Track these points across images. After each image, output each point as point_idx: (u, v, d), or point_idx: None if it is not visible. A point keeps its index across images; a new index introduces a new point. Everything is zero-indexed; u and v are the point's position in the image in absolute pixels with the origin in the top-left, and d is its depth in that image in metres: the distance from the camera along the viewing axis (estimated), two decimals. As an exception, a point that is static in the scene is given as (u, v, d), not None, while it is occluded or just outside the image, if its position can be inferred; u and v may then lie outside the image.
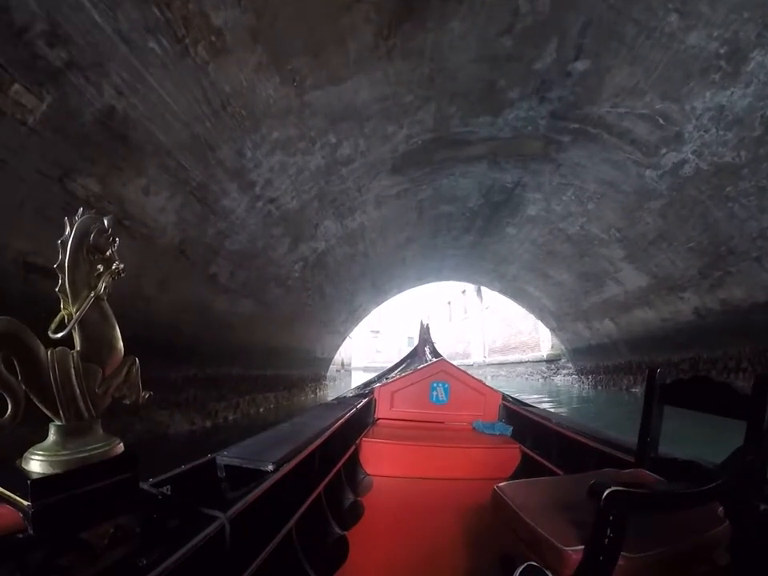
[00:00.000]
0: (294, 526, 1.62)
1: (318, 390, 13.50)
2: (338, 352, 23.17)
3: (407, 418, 3.62)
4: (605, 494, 0.95)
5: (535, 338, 20.46)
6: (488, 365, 26.49)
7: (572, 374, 17.32)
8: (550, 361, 19.39)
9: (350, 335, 27.73)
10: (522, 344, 21.76)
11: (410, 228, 8.71)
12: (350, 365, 29.87)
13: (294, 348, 9.89)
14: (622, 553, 0.97)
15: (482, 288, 26.94)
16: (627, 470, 1.52)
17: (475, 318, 29.09)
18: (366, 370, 37.18)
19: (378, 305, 14.20)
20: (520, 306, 15.62)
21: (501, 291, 14.41)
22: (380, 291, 12.37)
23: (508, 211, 8.78)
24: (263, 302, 7.15)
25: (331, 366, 22.87)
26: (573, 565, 1.02)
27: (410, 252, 10.20)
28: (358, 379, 23.87)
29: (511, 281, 12.74)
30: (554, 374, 19.12)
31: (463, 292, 30.88)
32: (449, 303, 34.93)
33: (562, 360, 18.95)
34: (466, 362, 28.60)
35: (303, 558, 1.63)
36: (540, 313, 14.18)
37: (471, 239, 10.17)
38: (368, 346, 42.49)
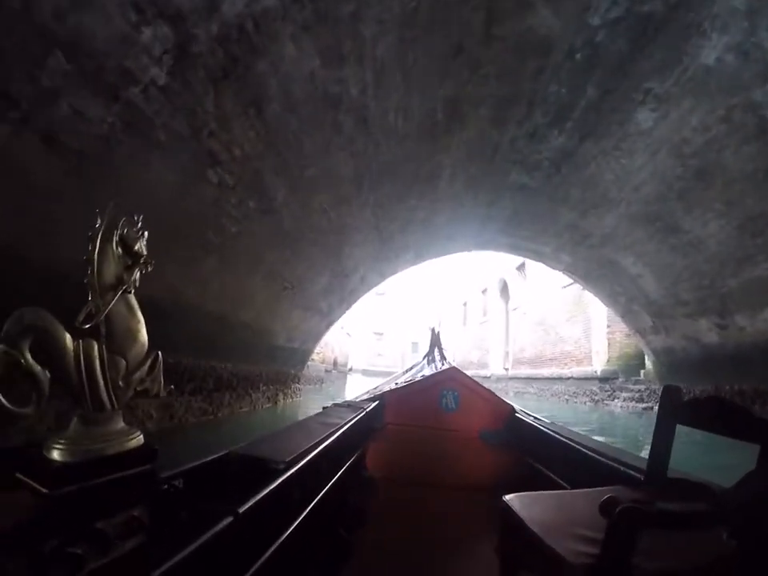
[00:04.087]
0: (300, 526, 1.56)
1: (282, 397, 8.81)
2: (325, 345, 18.55)
3: (415, 424, 3.47)
4: (617, 510, 0.95)
5: (585, 348, 15.78)
6: (511, 378, 21.68)
7: (641, 399, 12.76)
8: (605, 379, 14.71)
9: (344, 327, 22.89)
10: (565, 355, 17.03)
11: (461, 70, 4.09)
12: (345, 365, 25.34)
13: (215, 316, 5.23)
14: (629, 570, 0.98)
15: (510, 285, 22.47)
16: (637, 489, 1.47)
17: (497, 322, 24.40)
18: (365, 373, 33.85)
19: (385, 277, 9.53)
20: (593, 296, 10.94)
21: (568, 268, 9.71)
22: (389, 247, 7.70)
23: (659, 54, 4.29)
24: (59, 141, 2.56)
25: (319, 365, 18.18)
26: None
27: (448, 160, 5.57)
28: (354, 385, 19.28)
29: (596, 247, 8.03)
30: (610, 396, 14.44)
31: (484, 291, 26.35)
32: (464, 304, 30.34)
33: (620, 379, 14.42)
34: (482, 373, 23.71)
35: (307, 558, 1.70)
36: (626, 304, 9.45)
37: (561, 143, 5.52)
38: (369, 348, 40.29)
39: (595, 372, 15.02)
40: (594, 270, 8.96)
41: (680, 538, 1.11)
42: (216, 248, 4.59)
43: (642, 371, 13.75)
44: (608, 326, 14.98)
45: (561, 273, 10.31)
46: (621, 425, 11.24)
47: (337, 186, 5.14)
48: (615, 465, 1.83)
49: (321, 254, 6.40)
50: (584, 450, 2.15)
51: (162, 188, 3.57)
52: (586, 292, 15.27)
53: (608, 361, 14.92)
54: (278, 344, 7.68)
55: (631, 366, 14.45)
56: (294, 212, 5.04)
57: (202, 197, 3.98)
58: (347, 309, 9.81)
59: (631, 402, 13.23)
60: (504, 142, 5.42)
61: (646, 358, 13.54)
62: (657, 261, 7.52)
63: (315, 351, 16.71)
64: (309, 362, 13.70)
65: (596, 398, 14.87)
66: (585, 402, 15.31)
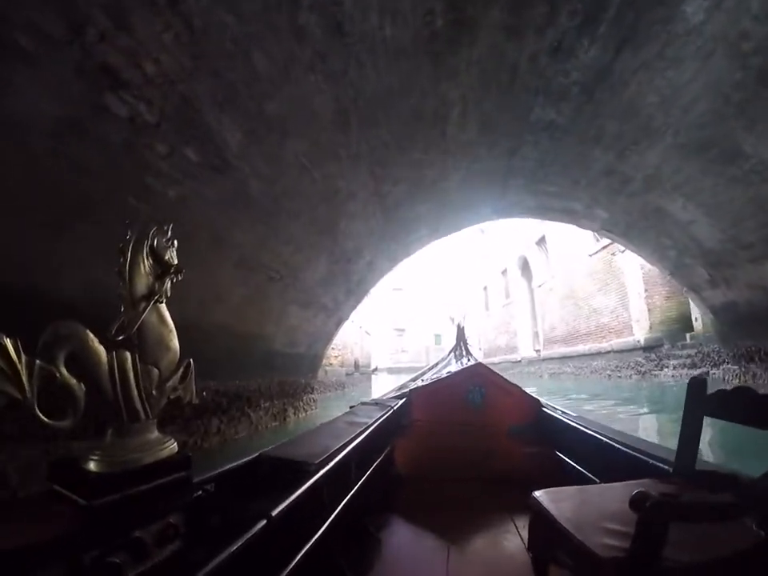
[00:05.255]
0: (330, 525, 1.58)
1: (293, 412, 7.77)
2: (343, 347, 17.47)
3: (442, 421, 3.51)
4: (647, 504, 0.95)
5: (623, 317, 14.50)
6: (543, 360, 20.46)
7: (694, 365, 11.54)
8: (650, 348, 13.45)
9: (363, 326, 21.82)
10: (601, 328, 15.77)
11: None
12: (368, 366, 24.16)
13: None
14: (659, 563, 0.98)
15: (531, 262, 21.22)
16: (666, 481, 1.47)
17: (522, 302, 23.19)
18: (390, 371, 33.11)
19: (396, 261, 8.46)
20: (624, 261, 9.69)
21: (604, 226, 8.47)
22: (396, 221, 6.59)
23: None
24: None
25: (339, 369, 17.09)
26: (610, 573, 1.03)
27: (456, 91, 4.44)
28: (379, 386, 18.01)
29: (638, 194, 6.82)
30: (657, 366, 13.22)
31: (503, 272, 25.15)
32: (484, 288, 29.18)
33: (666, 346, 13.18)
34: (512, 357, 22.68)
35: (339, 557, 1.68)
36: (677, 258, 8.19)
37: (593, 58, 4.38)
38: (391, 345, 40.26)
39: (638, 342, 13.83)
40: (637, 222, 7.71)
41: (708, 529, 1.08)
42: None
43: (689, 334, 12.55)
44: (645, 291, 13.74)
45: (596, 233, 9.07)
46: (672, 398, 10.02)
47: (315, 129, 3.97)
48: (643, 457, 1.81)
49: (309, 230, 5.32)
50: (612, 442, 2.13)
51: (38, 125, 2.52)
52: (617, 257, 14.06)
53: (650, 328, 13.66)
54: (277, 349, 6.64)
55: (674, 330, 13.28)
56: (259, 169, 3.91)
57: (107, 140, 2.85)
58: (357, 303, 8.74)
59: (683, 368, 12.07)
60: (523, 61, 4.28)
61: (694, 319, 12.36)
62: (712, 199, 6.28)
63: (332, 355, 15.69)
64: (327, 367, 12.64)
65: (642, 369, 13.68)
66: (630, 376, 14.11)
